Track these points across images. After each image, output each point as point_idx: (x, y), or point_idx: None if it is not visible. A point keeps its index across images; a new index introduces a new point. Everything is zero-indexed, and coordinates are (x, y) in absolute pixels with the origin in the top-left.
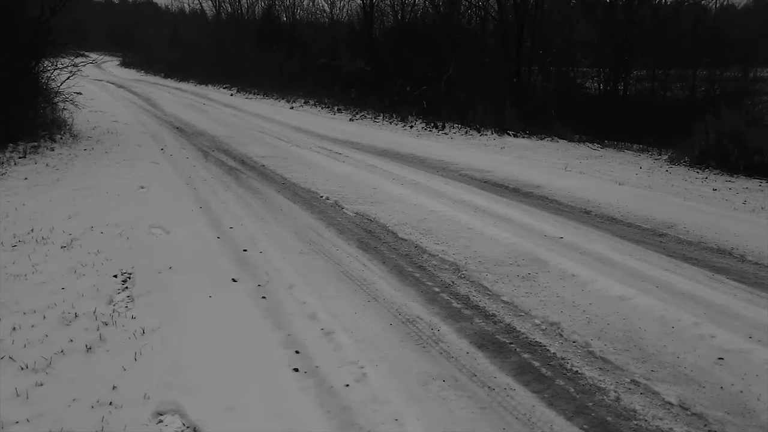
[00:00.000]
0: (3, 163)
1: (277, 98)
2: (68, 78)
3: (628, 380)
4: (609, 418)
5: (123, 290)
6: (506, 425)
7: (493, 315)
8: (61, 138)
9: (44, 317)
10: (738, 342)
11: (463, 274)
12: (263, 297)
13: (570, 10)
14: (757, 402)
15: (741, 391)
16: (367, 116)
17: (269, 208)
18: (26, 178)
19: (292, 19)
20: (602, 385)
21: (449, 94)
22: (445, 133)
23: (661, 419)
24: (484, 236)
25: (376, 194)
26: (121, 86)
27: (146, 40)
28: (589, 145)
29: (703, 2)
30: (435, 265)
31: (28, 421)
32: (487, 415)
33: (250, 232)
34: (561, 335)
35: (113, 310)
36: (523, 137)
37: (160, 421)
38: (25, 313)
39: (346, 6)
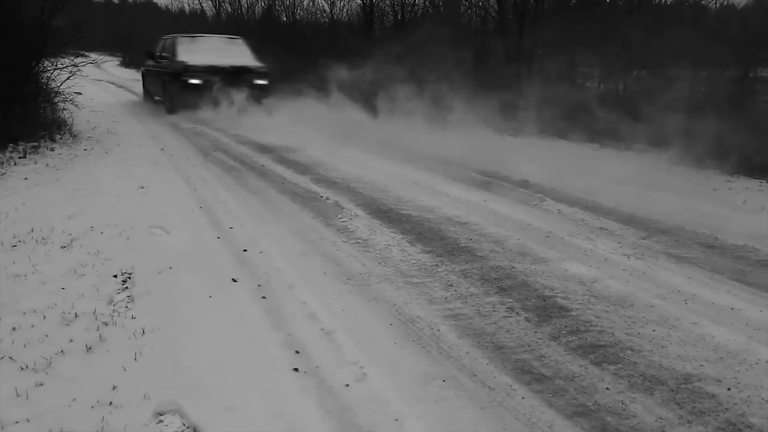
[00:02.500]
0: (3, 163)
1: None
2: (68, 78)
3: None
4: None
5: (123, 290)
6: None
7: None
8: (61, 138)
9: (44, 317)
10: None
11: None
12: (263, 297)
13: (570, 10)
14: None
15: None
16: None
17: (269, 207)
18: (26, 178)
19: (292, 19)
20: None
21: (449, 94)
22: (446, 133)
23: None
24: (492, 236)
25: (375, 193)
26: (121, 86)
27: (146, 40)
28: (589, 145)
29: (703, 2)
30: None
31: (28, 421)
32: None
33: (250, 232)
34: None
35: (113, 310)
36: (523, 137)
37: (160, 421)
38: (25, 313)
39: (346, 6)
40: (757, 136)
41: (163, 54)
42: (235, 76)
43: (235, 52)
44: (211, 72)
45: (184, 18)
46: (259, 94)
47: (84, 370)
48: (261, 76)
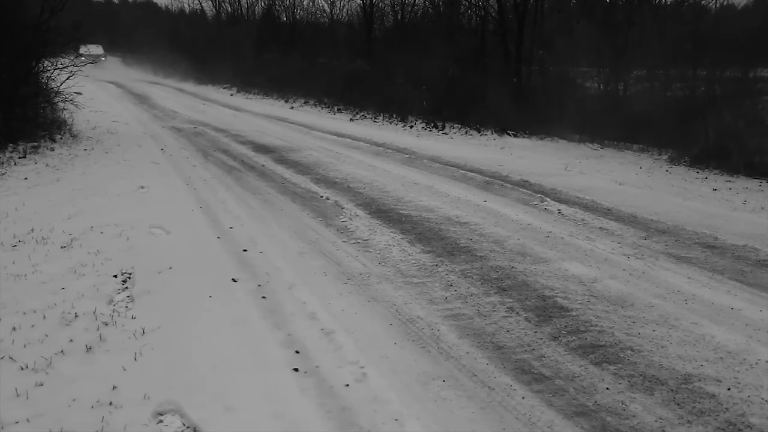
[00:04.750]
0: (3, 163)
1: (276, 98)
2: (68, 78)
3: None
4: None
5: (123, 290)
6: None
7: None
8: (61, 138)
9: (44, 317)
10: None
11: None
12: (263, 297)
13: (570, 10)
14: None
15: None
16: (367, 116)
17: (269, 208)
18: (26, 178)
19: (292, 19)
20: None
21: (449, 94)
22: (445, 133)
23: None
24: (492, 236)
25: (373, 195)
26: (121, 86)
27: (146, 40)
28: (589, 145)
29: (703, 2)
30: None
31: (28, 421)
32: None
33: (249, 232)
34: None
35: (113, 310)
36: (523, 137)
37: (160, 421)
38: (25, 313)
39: (346, 6)
40: (757, 137)
41: (78, 51)
42: (95, 56)
43: (97, 49)
44: (89, 55)
45: (184, 18)
46: (102, 63)
47: (84, 370)
48: (104, 56)
